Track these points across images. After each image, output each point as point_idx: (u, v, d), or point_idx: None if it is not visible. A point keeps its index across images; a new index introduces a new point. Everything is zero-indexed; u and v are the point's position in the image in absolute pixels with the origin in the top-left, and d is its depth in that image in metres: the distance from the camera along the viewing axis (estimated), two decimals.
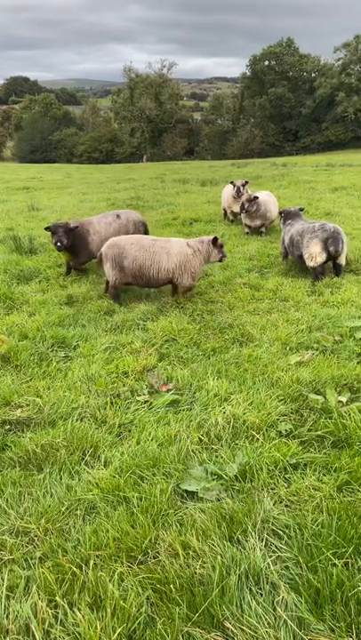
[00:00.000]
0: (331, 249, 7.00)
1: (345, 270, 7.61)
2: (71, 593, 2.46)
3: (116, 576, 2.51)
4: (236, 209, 11.12)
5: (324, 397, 4.01)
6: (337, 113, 69.24)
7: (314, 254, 7.15)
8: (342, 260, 7.35)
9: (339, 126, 69.75)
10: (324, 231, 7.11)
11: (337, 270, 7.41)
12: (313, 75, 74.71)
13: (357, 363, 4.66)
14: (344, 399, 3.98)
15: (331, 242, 7.00)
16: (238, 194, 10.88)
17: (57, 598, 2.42)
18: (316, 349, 5.00)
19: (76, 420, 3.91)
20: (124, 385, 4.44)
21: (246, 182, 11.31)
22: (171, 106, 79.10)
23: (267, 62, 76.09)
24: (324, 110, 71.32)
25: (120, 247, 6.34)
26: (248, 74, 78.10)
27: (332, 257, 7.17)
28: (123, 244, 6.36)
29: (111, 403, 4.14)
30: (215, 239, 6.53)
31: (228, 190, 11.72)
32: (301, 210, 8.32)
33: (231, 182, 11.36)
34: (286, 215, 8.19)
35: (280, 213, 8.59)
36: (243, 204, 9.94)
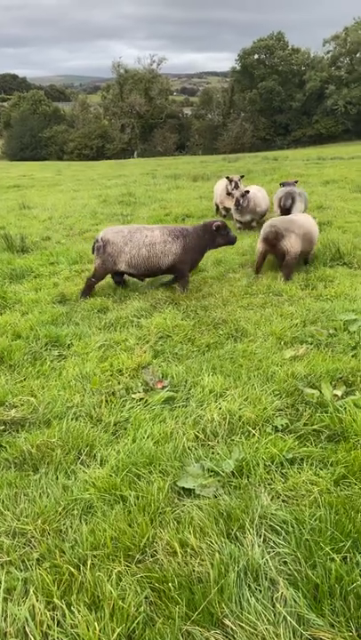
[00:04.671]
0: (281, 204, 9.15)
1: (338, 262, 7.63)
2: (69, 594, 2.44)
3: (114, 576, 2.50)
4: (228, 204, 11.09)
5: (320, 391, 4.00)
6: (327, 106, 69.31)
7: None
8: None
9: (329, 119, 69.81)
10: (282, 192, 9.42)
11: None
12: (303, 68, 74.61)
13: (352, 356, 4.65)
14: (339, 393, 3.98)
15: (283, 199, 9.14)
16: (237, 188, 10.80)
17: (55, 600, 2.40)
18: (311, 343, 4.99)
19: (72, 419, 3.88)
20: (118, 383, 4.42)
21: (242, 176, 11.30)
22: (161, 101, 78.77)
23: (256, 56, 75.86)
24: (315, 103, 71.35)
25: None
26: (238, 68, 77.83)
27: (285, 209, 9.08)
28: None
29: (106, 401, 4.12)
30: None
31: (220, 185, 11.67)
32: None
33: (227, 177, 11.28)
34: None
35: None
36: (237, 200, 9.88)
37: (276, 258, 7.43)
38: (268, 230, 7.13)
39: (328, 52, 74.16)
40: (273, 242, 7.10)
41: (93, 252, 6.82)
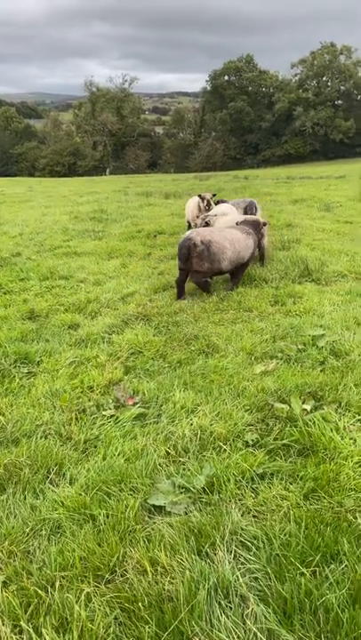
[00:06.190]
0: (248, 212, 9.88)
1: (307, 279, 7.78)
2: (37, 617, 2.39)
3: (83, 597, 2.45)
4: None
5: (289, 406, 4.04)
6: (296, 127, 71.23)
7: None
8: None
9: (298, 140, 71.74)
10: (244, 202, 10.37)
11: None
12: (271, 90, 76.69)
13: (320, 371, 4.73)
14: (308, 407, 4.03)
15: (248, 208, 10.09)
16: (209, 207, 10.88)
17: (22, 623, 2.34)
18: (281, 358, 5.05)
19: (41, 437, 3.82)
20: (89, 400, 4.38)
21: (214, 194, 11.43)
22: (132, 120, 79.77)
23: (226, 77, 77.70)
24: (284, 124, 73.28)
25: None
26: (209, 89, 79.52)
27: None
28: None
29: (76, 418, 4.07)
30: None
31: (192, 203, 11.77)
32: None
33: (199, 195, 11.35)
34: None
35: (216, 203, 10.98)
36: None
37: None
38: (263, 228, 8.32)
39: (296, 75, 76.50)
40: (260, 237, 8.21)
41: (185, 259, 6.90)
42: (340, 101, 73.20)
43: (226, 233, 7.15)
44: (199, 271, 7.00)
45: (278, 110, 72.72)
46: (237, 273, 7.48)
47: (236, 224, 7.77)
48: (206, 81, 79.69)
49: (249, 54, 78.50)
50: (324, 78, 73.73)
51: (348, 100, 72.78)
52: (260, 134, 74.89)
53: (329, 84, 73.34)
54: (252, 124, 74.93)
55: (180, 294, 7.13)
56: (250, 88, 76.37)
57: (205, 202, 10.99)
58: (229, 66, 77.36)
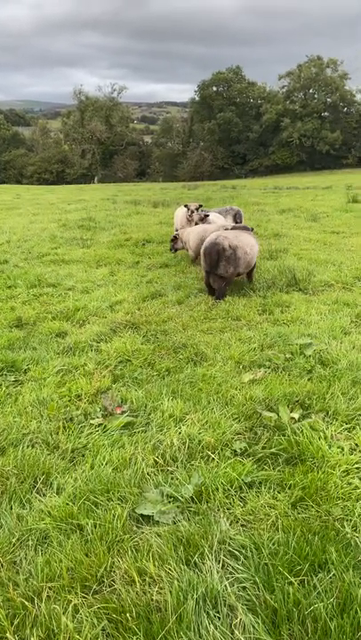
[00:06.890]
0: (237, 220, 11.01)
1: (294, 288, 7.84)
2: (23, 628, 2.36)
3: (70, 608, 2.43)
4: None
5: (277, 414, 4.06)
6: (283, 138, 72.14)
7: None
8: None
9: (285, 151, 72.62)
10: (233, 210, 11.41)
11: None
12: (259, 101, 77.66)
13: (308, 379, 4.75)
14: (296, 416, 4.04)
15: (237, 216, 11.21)
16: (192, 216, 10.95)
17: (8, 635, 2.31)
18: (269, 367, 5.07)
19: (27, 446, 3.79)
20: (77, 408, 4.35)
21: (200, 205, 11.47)
22: (121, 129, 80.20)
23: (215, 88, 78.53)
24: (271, 135, 74.16)
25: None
26: (197, 99, 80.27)
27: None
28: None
29: (64, 427, 4.04)
30: None
31: (180, 212, 11.81)
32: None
33: (185, 205, 11.41)
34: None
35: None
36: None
37: None
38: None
39: (283, 87, 77.58)
40: None
41: (214, 264, 7.23)
42: (326, 113, 74.36)
43: (243, 237, 7.53)
44: (223, 276, 7.30)
45: (266, 121, 73.62)
46: (249, 275, 8.00)
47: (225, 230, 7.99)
48: (195, 91, 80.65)
49: (238, 66, 79.50)
50: (310, 90, 74.88)
51: (335, 112, 73.92)
52: (248, 145, 75.68)
53: (316, 96, 74.47)
54: (239, 134, 75.72)
55: (213, 292, 7.51)
56: (238, 99, 77.26)
57: (190, 211, 11.04)
58: (218, 77, 78.24)
